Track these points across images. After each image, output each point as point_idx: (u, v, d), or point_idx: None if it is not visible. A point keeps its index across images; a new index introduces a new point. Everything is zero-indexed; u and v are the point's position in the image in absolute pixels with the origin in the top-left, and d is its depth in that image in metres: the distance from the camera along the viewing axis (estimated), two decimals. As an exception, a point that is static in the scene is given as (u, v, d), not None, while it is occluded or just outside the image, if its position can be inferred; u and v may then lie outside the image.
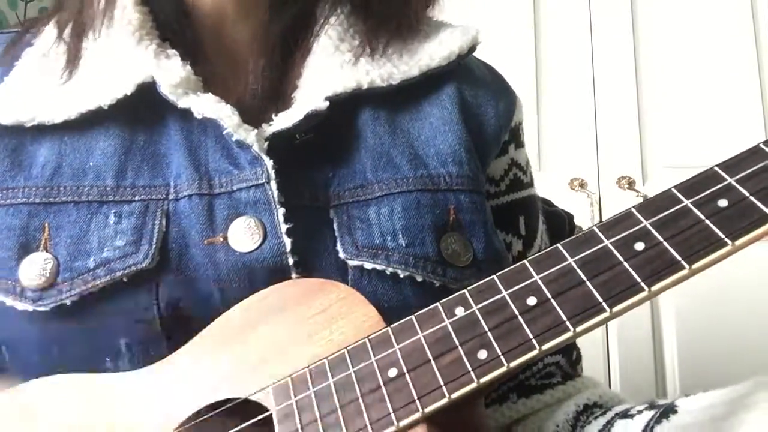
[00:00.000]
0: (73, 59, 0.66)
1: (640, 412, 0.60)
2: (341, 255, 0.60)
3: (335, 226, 0.62)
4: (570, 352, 0.77)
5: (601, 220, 2.03)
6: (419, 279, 0.61)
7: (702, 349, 1.89)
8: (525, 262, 0.49)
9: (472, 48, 0.72)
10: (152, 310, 0.58)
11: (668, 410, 0.56)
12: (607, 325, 1.96)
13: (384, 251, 0.61)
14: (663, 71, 2.19)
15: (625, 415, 0.62)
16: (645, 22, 2.25)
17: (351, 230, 0.62)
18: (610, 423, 0.63)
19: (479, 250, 0.64)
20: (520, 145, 0.78)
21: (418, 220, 0.63)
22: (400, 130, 0.68)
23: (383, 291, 0.61)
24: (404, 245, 0.62)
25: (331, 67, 0.67)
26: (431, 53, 0.69)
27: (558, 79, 2.22)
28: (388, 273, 0.60)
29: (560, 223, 0.85)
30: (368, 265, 0.60)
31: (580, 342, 0.79)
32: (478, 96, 0.73)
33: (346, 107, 0.66)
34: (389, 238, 0.62)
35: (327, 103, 0.63)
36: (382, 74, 0.67)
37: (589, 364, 0.81)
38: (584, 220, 2.01)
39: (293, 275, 0.59)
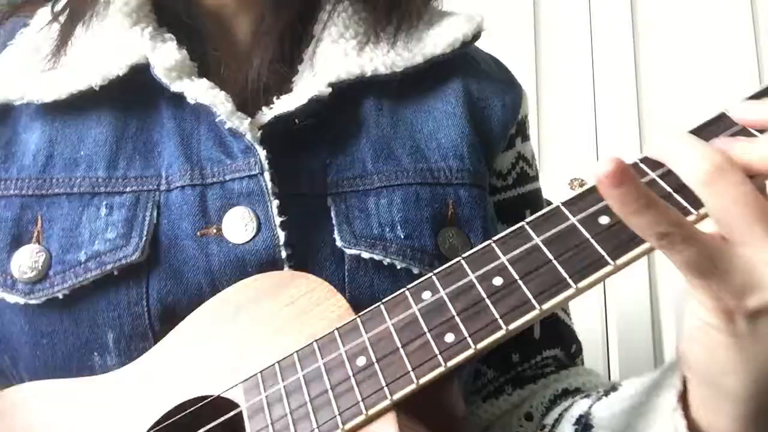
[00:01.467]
0: (64, 41, 0.66)
1: (598, 391, 0.60)
2: (338, 243, 0.60)
3: (333, 213, 0.61)
4: (569, 345, 0.76)
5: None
6: (416, 271, 0.60)
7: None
8: (491, 242, 0.48)
9: (477, 35, 0.72)
10: (142, 303, 0.58)
11: (611, 389, 0.57)
12: (607, 325, 1.94)
13: (382, 242, 0.61)
14: (663, 71, 2.19)
15: (587, 395, 0.62)
16: (645, 22, 2.24)
17: (349, 219, 0.61)
18: (573, 403, 0.63)
19: (477, 244, 0.63)
20: (526, 138, 0.78)
21: (417, 212, 0.63)
22: (403, 121, 0.68)
23: (379, 282, 0.60)
24: (402, 237, 0.61)
25: (335, 54, 0.66)
26: (435, 41, 0.69)
27: (558, 79, 2.21)
28: (386, 264, 0.60)
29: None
30: (366, 255, 0.60)
31: (580, 339, 0.78)
32: (485, 89, 0.72)
33: (349, 95, 0.66)
34: (388, 229, 0.61)
35: (329, 90, 0.63)
36: (386, 62, 0.67)
37: (588, 365, 0.80)
38: (585, 220, 2.00)
39: (286, 267, 0.58)
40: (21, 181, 0.61)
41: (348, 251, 0.60)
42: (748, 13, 2.21)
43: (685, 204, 0.42)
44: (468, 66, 0.73)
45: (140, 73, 0.63)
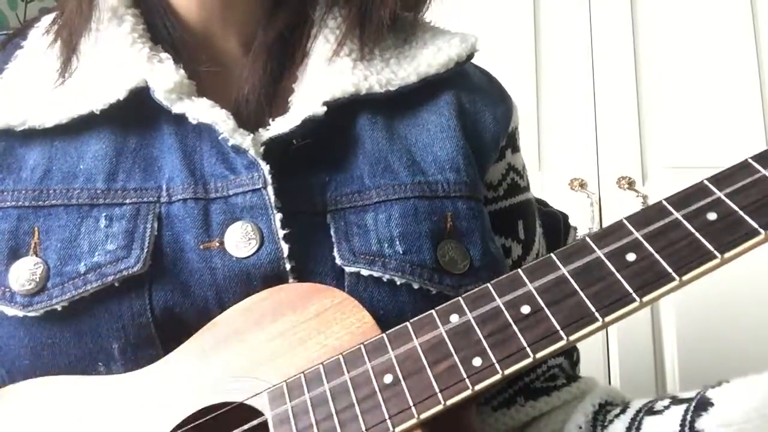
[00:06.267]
0: (67, 62, 0.66)
1: (666, 407, 0.60)
2: (338, 261, 0.60)
3: (332, 231, 0.62)
4: (571, 353, 0.78)
5: (601, 222, 2.04)
6: (416, 286, 0.60)
7: (702, 351, 1.89)
8: (519, 271, 0.49)
9: (470, 56, 0.72)
10: (146, 314, 0.57)
11: (703, 403, 0.55)
12: (607, 331, 1.95)
13: (381, 258, 0.61)
14: (663, 71, 2.19)
15: (651, 411, 0.62)
16: (645, 22, 2.24)
17: (348, 236, 0.61)
18: (635, 420, 0.63)
19: (476, 257, 0.64)
20: (516, 149, 0.78)
21: (415, 227, 0.63)
22: (398, 136, 0.68)
23: (379, 298, 0.60)
24: (401, 252, 0.61)
25: (329, 72, 0.67)
26: (429, 60, 0.69)
27: (558, 80, 2.21)
28: (385, 280, 0.60)
29: (555, 224, 0.85)
30: (365, 272, 0.60)
31: (580, 343, 0.80)
32: (476, 102, 0.73)
33: (344, 112, 0.66)
34: (386, 244, 0.61)
35: (324, 109, 0.63)
36: (380, 80, 0.67)
37: (589, 366, 0.82)
38: (584, 220, 2.01)
39: (290, 280, 0.59)
40: (17, 192, 0.61)
41: (347, 269, 0.60)
42: (748, 13, 2.21)
43: (711, 248, 0.44)
44: (459, 79, 0.73)
45: (140, 94, 0.63)
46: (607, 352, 1.95)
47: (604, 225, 2.05)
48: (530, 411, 0.72)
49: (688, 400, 0.57)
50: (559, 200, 0.93)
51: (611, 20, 2.25)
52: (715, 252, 0.44)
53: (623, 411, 0.66)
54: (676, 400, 0.59)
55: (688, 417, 0.56)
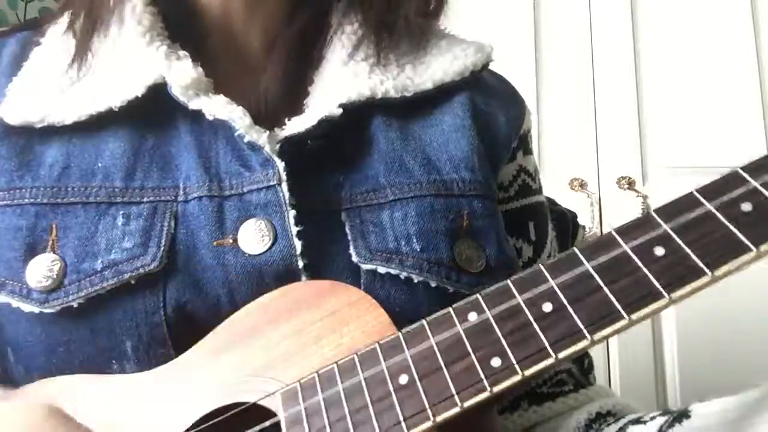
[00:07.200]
0: (81, 55, 0.66)
1: (653, 418, 0.59)
2: (354, 259, 0.60)
3: (348, 229, 0.62)
4: (581, 360, 0.77)
5: (601, 223, 2.03)
6: (433, 284, 0.60)
7: (702, 354, 1.89)
8: (540, 266, 0.48)
9: (486, 65, 0.73)
10: (159, 312, 0.57)
11: (682, 415, 0.55)
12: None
13: (398, 256, 0.61)
14: (663, 71, 2.20)
15: (637, 421, 0.61)
16: (645, 22, 2.25)
17: (364, 234, 0.61)
18: (622, 430, 0.62)
19: (492, 256, 0.64)
20: (528, 152, 0.79)
21: (432, 224, 0.63)
22: (412, 136, 0.68)
23: (396, 296, 0.60)
24: (418, 250, 0.61)
25: (346, 75, 0.67)
26: (445, 68, 0.70)
27: (558, 80, 2.22)
28: (402, 278, 0.60)
29: (564, 222, 0.86)
30: (382, 270, 0.60)
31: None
32: (490, 104, 0.73)
33: (358, 114, 0.66)
34: (403, 242, 0.61)
35: (340, 110, 0.64)
36: (396, 85, 0.67)
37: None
38: (584, 220, 2.01)
39: (303, 278, 0.58)
40: (35, 189, 0.61)
41: (364, 266, 0.60)
42: (748, 13, 2.22)
43: (746, 240, 0.42)
44: (473, 81, 0.73)
45: (158, 91, 0.63)
46: (608, 356, 1.94)
47: (604, 225, 2.06)
48: (533, 416, 0.71)
49: (674, 412, 0.57)
50: (559, 200, 0.93)
51: (611, 20, 2.26)
52: (750, 245, 0.42)
53: (616, 421, 0.65)
54: (664, 412, 0.58)
55: (664, 427, 0.56)
